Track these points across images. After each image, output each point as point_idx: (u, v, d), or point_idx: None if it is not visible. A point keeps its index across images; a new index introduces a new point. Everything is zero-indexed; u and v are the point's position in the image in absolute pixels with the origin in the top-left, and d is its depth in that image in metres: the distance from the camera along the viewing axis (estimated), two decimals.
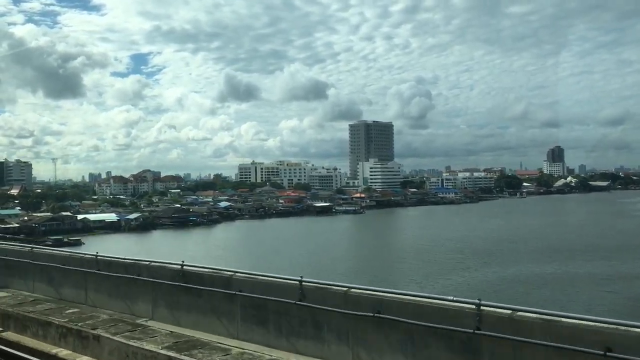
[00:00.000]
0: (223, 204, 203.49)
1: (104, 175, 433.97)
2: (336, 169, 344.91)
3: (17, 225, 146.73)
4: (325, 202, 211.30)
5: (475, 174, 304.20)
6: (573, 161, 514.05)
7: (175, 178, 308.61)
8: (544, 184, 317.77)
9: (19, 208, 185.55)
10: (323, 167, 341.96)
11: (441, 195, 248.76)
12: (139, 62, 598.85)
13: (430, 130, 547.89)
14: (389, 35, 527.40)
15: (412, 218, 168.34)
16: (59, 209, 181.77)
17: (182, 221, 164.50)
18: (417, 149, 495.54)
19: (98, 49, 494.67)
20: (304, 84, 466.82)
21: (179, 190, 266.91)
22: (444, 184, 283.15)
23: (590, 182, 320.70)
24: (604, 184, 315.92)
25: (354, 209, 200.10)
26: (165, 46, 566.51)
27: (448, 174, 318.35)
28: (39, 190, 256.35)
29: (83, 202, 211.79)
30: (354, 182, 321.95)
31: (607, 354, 6.17)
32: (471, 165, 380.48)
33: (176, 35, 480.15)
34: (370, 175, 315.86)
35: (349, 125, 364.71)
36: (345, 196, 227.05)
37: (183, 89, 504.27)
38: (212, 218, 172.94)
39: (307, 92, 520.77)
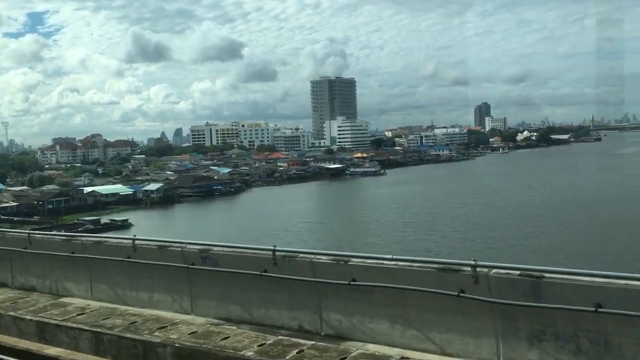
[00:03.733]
0: (222, 169, 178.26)
1: (6, 144, 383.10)
2: (298, 128, 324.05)
3: (15, 203, 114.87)
4: (336, 163, 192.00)
5: (450, 130, 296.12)
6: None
7: (128, 143, 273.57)
8: (509, 139, 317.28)
9: None
10: (286, 128, 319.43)
11: (435, 153, 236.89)
12: (34, 21, 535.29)
13: None
14: None
15: (464, 177, 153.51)
16: (38, 180, 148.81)
17: (204, 191, 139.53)
18: None
19: None
20: (217, 43, 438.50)
21: (143, 156, 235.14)
22: (423, 141, 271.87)
23: (552, 136, 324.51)
24: (565, 137, 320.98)
25: (374, 169, 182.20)
26: (62, 4, 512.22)
27: (428, 130, 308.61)
28: None
29: (50, 172, 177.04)
30: (320, 142, 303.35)
31: (599, 310, 5.85)
32: (382, 125, 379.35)
33: None
34: (339, 134, 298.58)
35: (310, 82, 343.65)
36: (348, 157, 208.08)
37: (85, 50, 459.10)
38: (235, 186, 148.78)
39: (219, 52, 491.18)
